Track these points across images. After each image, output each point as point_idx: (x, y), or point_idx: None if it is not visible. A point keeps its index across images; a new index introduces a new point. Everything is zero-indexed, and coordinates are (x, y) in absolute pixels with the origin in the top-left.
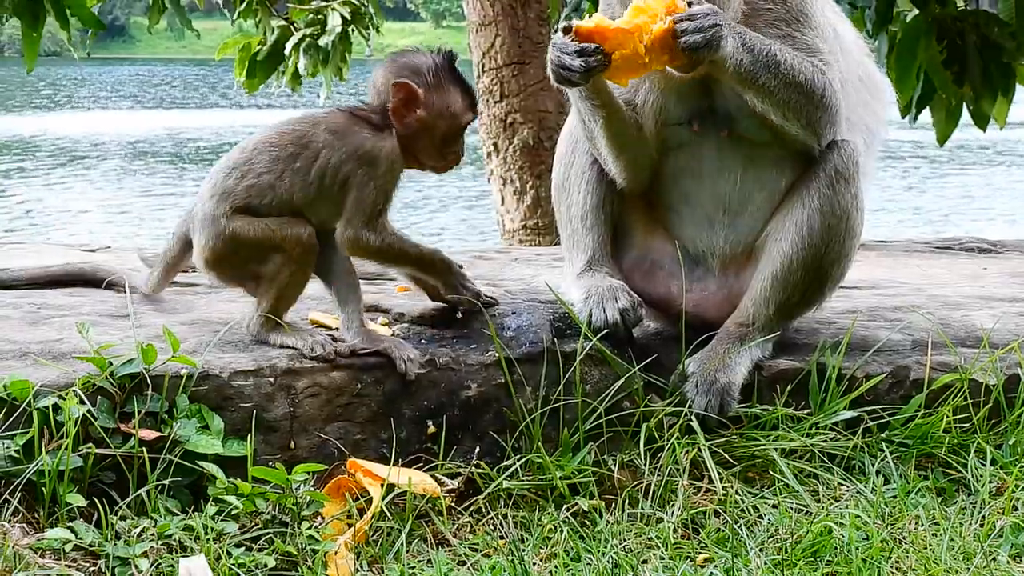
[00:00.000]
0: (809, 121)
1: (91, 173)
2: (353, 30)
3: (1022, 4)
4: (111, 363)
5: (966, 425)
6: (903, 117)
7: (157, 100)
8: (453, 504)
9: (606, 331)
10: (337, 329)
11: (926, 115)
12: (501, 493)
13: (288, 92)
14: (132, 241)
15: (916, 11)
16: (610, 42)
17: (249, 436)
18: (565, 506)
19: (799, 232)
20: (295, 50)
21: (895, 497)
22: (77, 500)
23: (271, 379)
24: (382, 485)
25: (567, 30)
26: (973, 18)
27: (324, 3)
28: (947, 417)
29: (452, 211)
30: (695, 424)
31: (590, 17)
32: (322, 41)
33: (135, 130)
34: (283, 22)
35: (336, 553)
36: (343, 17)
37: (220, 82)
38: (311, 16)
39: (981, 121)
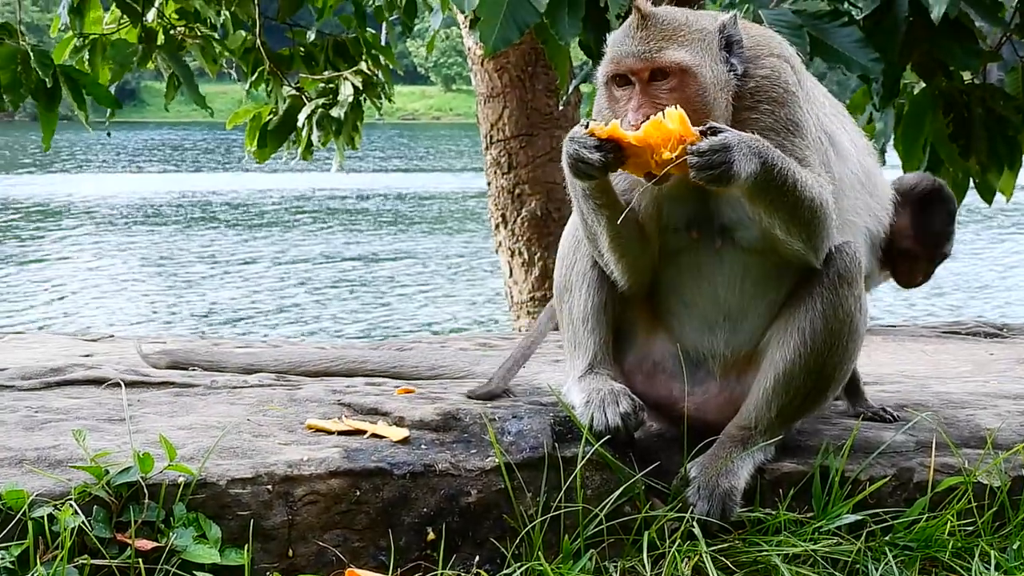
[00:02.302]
0: (810, 236)
1: (94, 238)
2: (365, 99)
3: None
4: (107, 471)
5: (970, 528)
6: None
7: (167, 163)
8: None
9: (607, 436)
10: (335, 433)
11: None
12: None
13: (302, 161)
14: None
15: (923, 84)
16: (625, 151)
17: (247, 545)
18: None
19: (801, 336)
20: (308, 121)
21: None
22: None
23: (269, 486)
24: None
25: (584, 127)
26: (980, 92)
27: (336, 73)
28: (951, 521)
29: (460, 283)
30: (697, 530)
31: (605, 123)
32: (335, 112)
33: (145, 192)
34: (294, 92)
35: None
36: (355, 87)
37: (232, 146)
38: (323, 86)
39: (987, 194)
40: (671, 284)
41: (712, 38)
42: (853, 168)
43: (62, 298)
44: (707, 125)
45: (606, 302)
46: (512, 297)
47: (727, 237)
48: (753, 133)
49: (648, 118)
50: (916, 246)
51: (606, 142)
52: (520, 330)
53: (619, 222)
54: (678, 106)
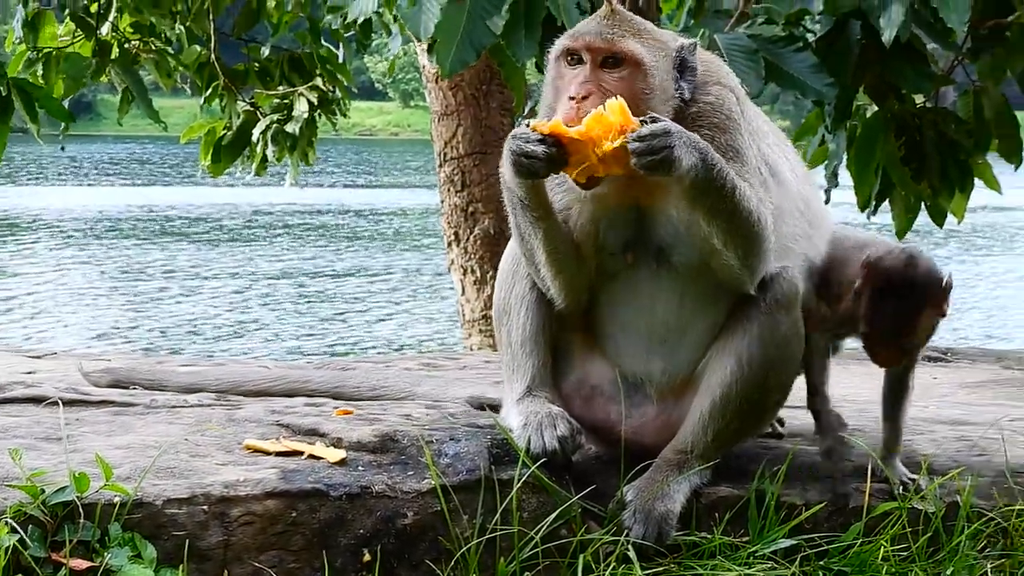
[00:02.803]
0: (747, 253)
1: (48, 251)
2: (320, 115)
3: (980, 102)
4: (43, 491)
5: (905, 554)
6: (862, 211)
7: (123, 177)
8: None
9: (544, 458)
10: (273, 454)
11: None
12: None
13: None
14: (94, 325)
15: (875, 107)
16: (567, 148)
17: (182, 565)
18: None
19: (738, 361)
20: (262, 136)
21: None
22: None
23: (205, 507)
24: None
25: (526, 126)
26: (932, 115)
27: (291, 89)
28: (885, 546)
29: (419, 299)
30: (632, 553)
31: (547, 120)
32: (289, 127)
33: (102, 206)
34: (249, 107)
35: None
36: (310, 103)
37: (188, 160)
38: (277, 102)
39: (939, 217)
40: (609, 307)
41: (669, 54)
42: (792, 197)
43: (10, 310)
44: (649, 116)
45: (544, 325)
46: (464, 315)
47: (663, 260)
48: None
49: (590, 95)
50: (872, 330)
51: (549, 137)
52: (472, 348)
53: (555, 238)
54: (619, 96)
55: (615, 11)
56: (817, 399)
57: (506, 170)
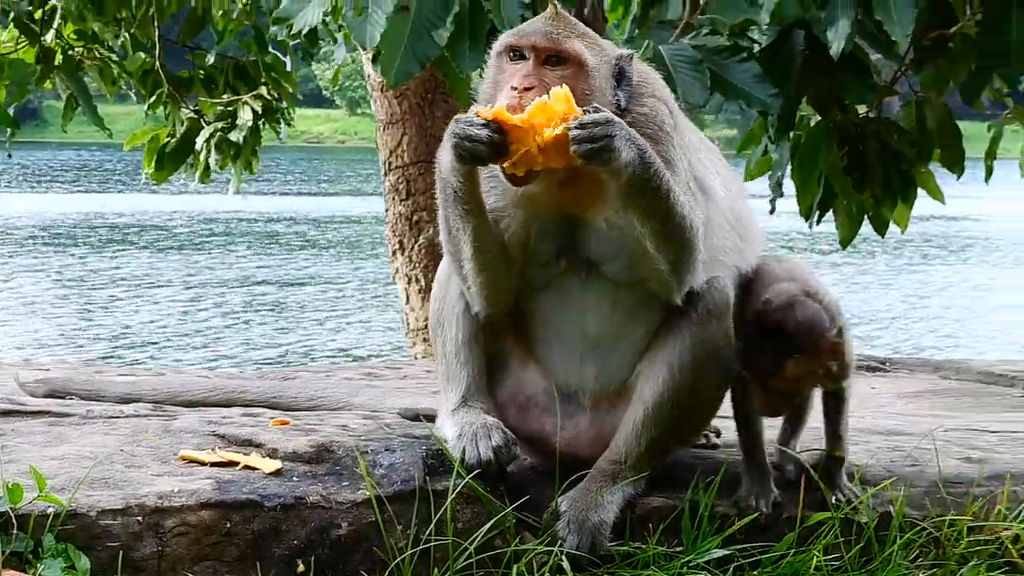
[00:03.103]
0: (678, 259)
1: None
2: (264, 123)
3: (922, 112)
4: None
5: (837, 563)
6: (805, 220)
7: (70, 184)
8: None
9: (479, 469)
10: (208, 464)
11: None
12: None
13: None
14: (39, 334)
15: (819, 117)
16: (508, 135)
17: None
18: None
19: (670, 371)
20: (206, 144)
21: None
22: None
23: (139, 518)
24: None
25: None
26: (874, 125)
27: (235, 97)
28: (818, 556)
29: (365, 309)
30: (566, 563)
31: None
32: (233, 136)
33: (49, 213)
34: (193, 115)
35: None
36: (254, 111)
37: (136, 167)
38: (222, 109)
39: (881, 227)
40: (542, 316)
41: (609, 61)
42: (722, 210)
43: None
44: (591, 106)
45: (478, 333)
46: (408, 324)
47: (594, 270)
48: None
49: (533, 87)
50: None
51: (492, 122)
52: (416, 357)
53: (483, 236)
54: (564, 85)
55: (559, 13)
56: (749, 440)
57: (445, 156)
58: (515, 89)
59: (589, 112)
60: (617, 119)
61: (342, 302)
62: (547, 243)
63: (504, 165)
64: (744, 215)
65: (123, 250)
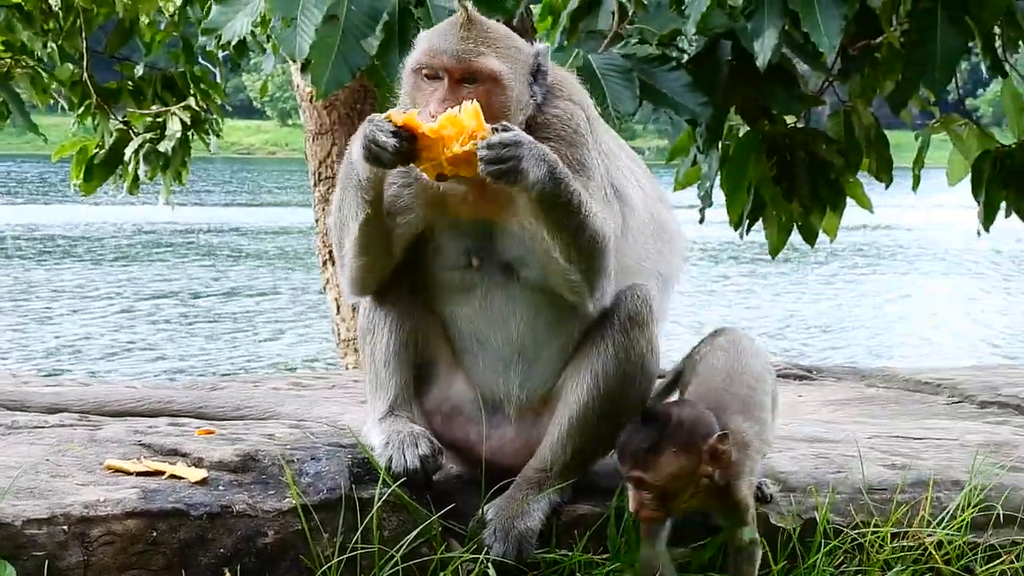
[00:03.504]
0: (590, 268)
1: None
2: (194, 135)
3: (850, 122)
4: None
5: (764, 570)
6: (735, 230)
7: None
8: None
9: (405, 477)
10: (134, 474)
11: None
12: None
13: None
14: None
15: (747, 127)
16: (418, 141)
17: None
18: None
19: (594, 379)
20: (135, 156)
21: None
22: None
23: (65, 527)
24: None
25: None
26: (802, 135)
27: (164, 108)
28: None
29: (299, 320)
30: (492, 571)
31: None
32: (161, 147)
33: None
34: (121, 125)
35: None
36: (183, 122)
37: (64, 179)
38: (150, 120)
39: (809, 237)
40: (466, 323)
41: (526, 60)
42: (642, 217)
43: None
44: (500, 124)
45: (407, 342)
46: (339, 335)
47: (512, 275)
48: None
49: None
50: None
51: (402, 129)
52: (348, 367)
53: (373, 225)
54: (475, 100)
55: (471, 20)
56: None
57: (355, 149)
58: (432, 116)
59: (498, 131)
60: (526, 138)
61: (274, 313)
62: (455, 242)
63: (417, 166)
64: (666, 221)
65: (56, 262)
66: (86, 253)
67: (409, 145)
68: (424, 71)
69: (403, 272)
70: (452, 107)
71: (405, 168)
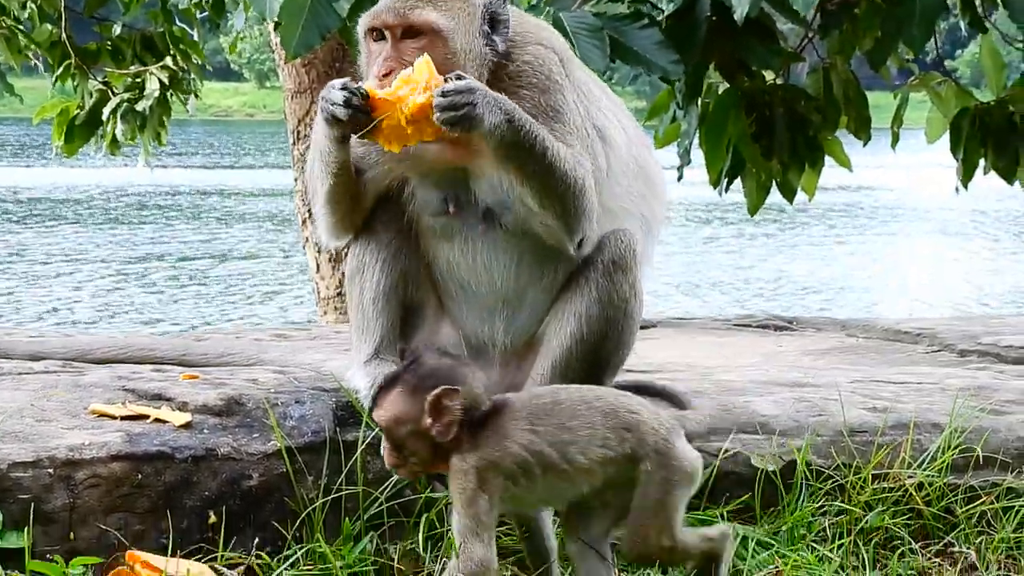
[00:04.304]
0: (565, 212)
1: None
2: (172, 94)
3: (829, 79)
4: None
5: (746, 513)
6: (714, 188)
7: None
8: None
9: None
10: (118, 418)
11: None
12: None
13: (109, 155)
14: None
15: (726, 84)
16: (377, 110)
17: (27, 528)
18: None
19: (577, 322)
20: (113, 115)
21: None
22: None
23: (50, 470)
24: None
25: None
26: (781, 92)
27: (142, 68)
28: (728, 504)
29: (272, 281)
30: None
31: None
32: (140, 106)
33: None
34: (101, 86)
35: None
36: (161, 82)
37: (42, 142)
38: (129, 80)
39: (788, 193)
40: (450, 267)
41: (475, 11)
42: (625, 159)
43: None
44: (454, 73)
45: (396, 284)
46: (319, 293)
47: (493, 221)
48: None
49: (392, 72)
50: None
51: (353, 87)
52: (328, 325)
53: (342, 183)
54: (425, 54)
55: None
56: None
57: (318, 115)
58: (378, 78)
59: (451, 79)
60: (479, 85)
61: (254, 273)
62: (431, 190)
63: (379, 141)
64: (649, 165)
65: (40, 225)
66: (72, 216)
67: (362, 100)
68: (372, 34)
69: (392, 215)
70: (396, 64)
71: (367, 140)
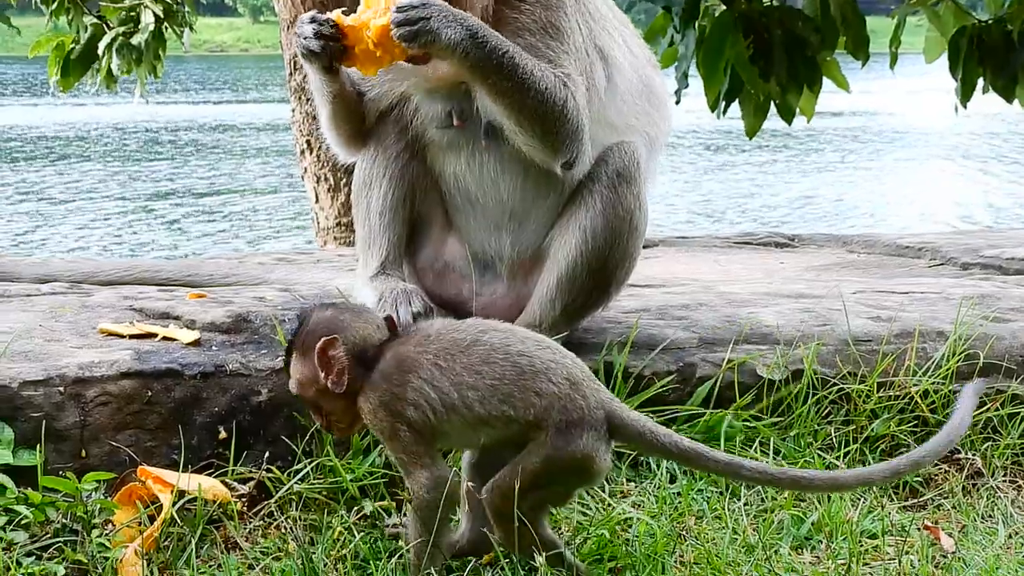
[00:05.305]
0: (546, 131)
1: None
2: (167, 28)
3: (826, 0)
4: None
5: (754, 424)
6: (712, 111)
7: None
8: (244, 509)
9: None
10: (127, 337)
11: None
12: (292, 497)
13: (105, 90)
14: None
15: (723, 7)
16: (347, 37)
17: (39, 446)
18: (356, 508)
19: (583, 235)
20: (108, 49)
21: (679, 494)
22: None
23: (61, 388)
24: (172, 492)
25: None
26: (778, 13)
27: (137, 1)
28: (737, 413)
29: (270, 208)
30: None
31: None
32: (135, 40)
33: None
34: (96, 20)
35: (126, 560)
36: (156, 15)
37: (37, 79)
38: (124, 14)
39: (787, 115)
40: (459, 183)
41: None
42: (630, 78)
43: None
44: None
45: (404, 197)
46: (319, 223)
47: (499, 135)
48: (509, 31)
49: None
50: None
51: (323, 19)
52: (331, 249)
53: (341, 108)
54: None
55: None
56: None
57: (296, 43)
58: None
59: None
60: (435, 1)
61: (257, 207)
62: (434, 104)
63: (356, 67)
64: (655, 84)
65: (48, 162)
66: (79, 154)
67: (331, 30)
68: None
69: (399, 130)
70: None
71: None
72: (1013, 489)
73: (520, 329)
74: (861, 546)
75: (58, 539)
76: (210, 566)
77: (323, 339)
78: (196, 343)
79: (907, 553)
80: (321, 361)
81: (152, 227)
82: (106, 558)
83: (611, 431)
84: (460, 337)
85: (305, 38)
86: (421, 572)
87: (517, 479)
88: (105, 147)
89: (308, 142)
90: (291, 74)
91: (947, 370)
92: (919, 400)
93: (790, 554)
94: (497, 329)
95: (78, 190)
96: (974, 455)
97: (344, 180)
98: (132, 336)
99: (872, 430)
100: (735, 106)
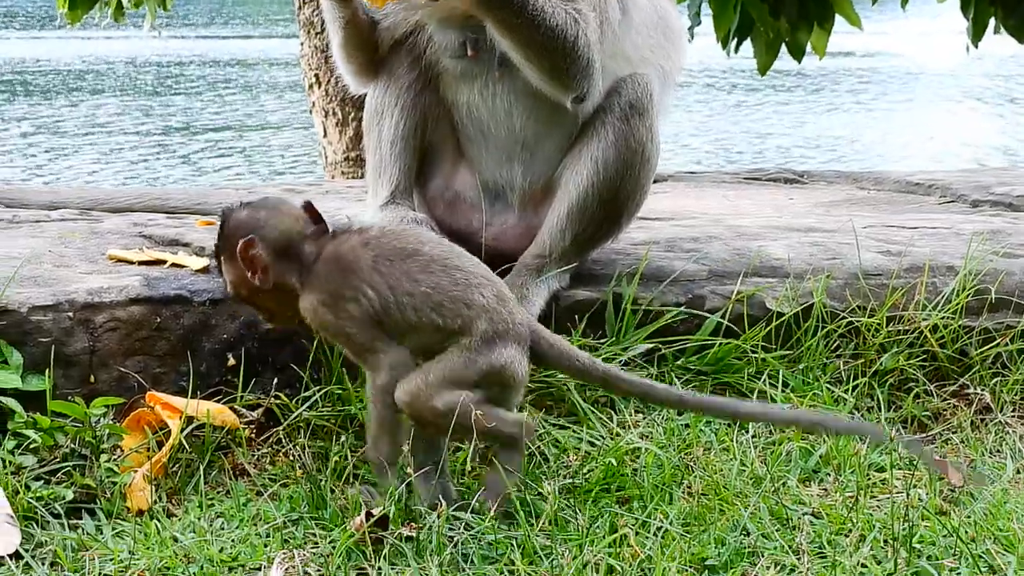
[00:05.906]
0: (555, 67)
1: None
2: None
3: None
4: None
5: (764, 356)
6: (723, 48)
7: None
8: (252, 436)
9: None
10: (136, 263)
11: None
12: (300, 424)
13: (114, 23)
14: None
15: None
16: None
17: (48, 371)
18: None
19: (594, 165)
20: None
21: (687, 426)
22: None
23: (70, 313)
24: (181, 417)
25: None
26: None
27: None
28: (747, 344)
29: (278, 140)
30: None
31: None
32: None
33: None
34: None
35: (134, 484)
36: None
37: (50, 12)
38: None
39: (797, 53)
40: (471, 112)
41: None
42: (646, 9)
43: None
44: None
45: (416, 127)
46: (327, 157)
47: (510, 65)
48: None
49: None
50: None
51: None
52: (340, 181)
53: (349, 37)
54: None
55: None
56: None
57: None
58: None
59: None
60: None
61: (267, 140)
62: (448, 33)
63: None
64: (671, 18)
65: (56, 94)
66: (90, 86)
67: None
68: None
69: (412, 60)
70: None
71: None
72: (1022, 424)
73: (459, 248)
74: (869, 479)
75: (67, 463)
76: (218, 492)
77: (241, 241)
78: (205, 270)
79: (915, 487)
80: (244, 261)
81: (166, 161)
82: (114, 483)
83: (533, 351)
84: (401, 245)
85: None
86: (376, 449)
87: (429, 374)
88: (116, 81)
89: (316, 76)
90: (300, 8)
91: (957, 305)
92: (929, 335)
93: (798, 486)
94: (436, 242)
95: (92, 124)
96: (983, 390)
97: (352, 115)
98: (141, 262)
99: (881, 364)
100: (747, 44)
